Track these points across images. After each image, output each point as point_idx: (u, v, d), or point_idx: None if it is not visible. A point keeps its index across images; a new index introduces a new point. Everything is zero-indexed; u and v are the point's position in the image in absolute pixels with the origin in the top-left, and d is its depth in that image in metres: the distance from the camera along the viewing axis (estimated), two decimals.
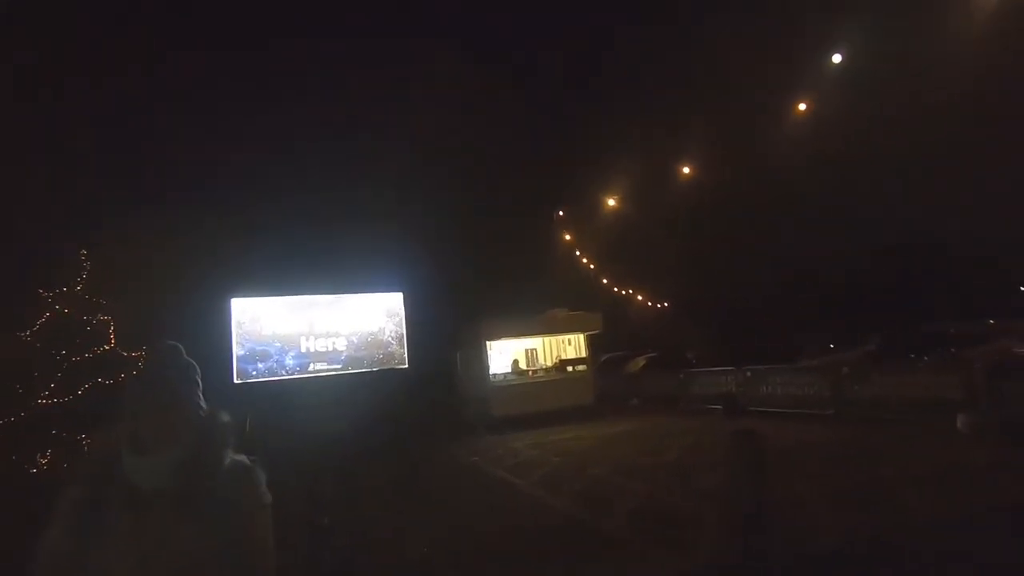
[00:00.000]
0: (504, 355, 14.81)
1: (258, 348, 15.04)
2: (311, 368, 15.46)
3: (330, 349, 15.75)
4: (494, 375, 14.25)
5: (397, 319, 16.85)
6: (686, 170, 20.39)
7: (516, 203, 22.73)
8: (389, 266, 17.67)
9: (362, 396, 14.12)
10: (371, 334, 16.43)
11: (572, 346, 15.95)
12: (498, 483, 7.64)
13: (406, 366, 16.58)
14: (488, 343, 14.35)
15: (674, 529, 4.85)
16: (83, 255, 15.76)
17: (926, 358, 10.18)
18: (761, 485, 3.51)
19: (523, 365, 15.37)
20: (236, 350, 14.84)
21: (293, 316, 15.62)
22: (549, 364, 15.74)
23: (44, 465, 13.88)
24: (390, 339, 16.69)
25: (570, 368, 15.01)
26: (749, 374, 12.09)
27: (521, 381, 14.42)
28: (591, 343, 15.34)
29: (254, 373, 14.97)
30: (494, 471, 8.46)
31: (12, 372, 14.46)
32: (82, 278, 15.61)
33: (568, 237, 22.81)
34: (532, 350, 16.22)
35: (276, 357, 15.18)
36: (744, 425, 9.57)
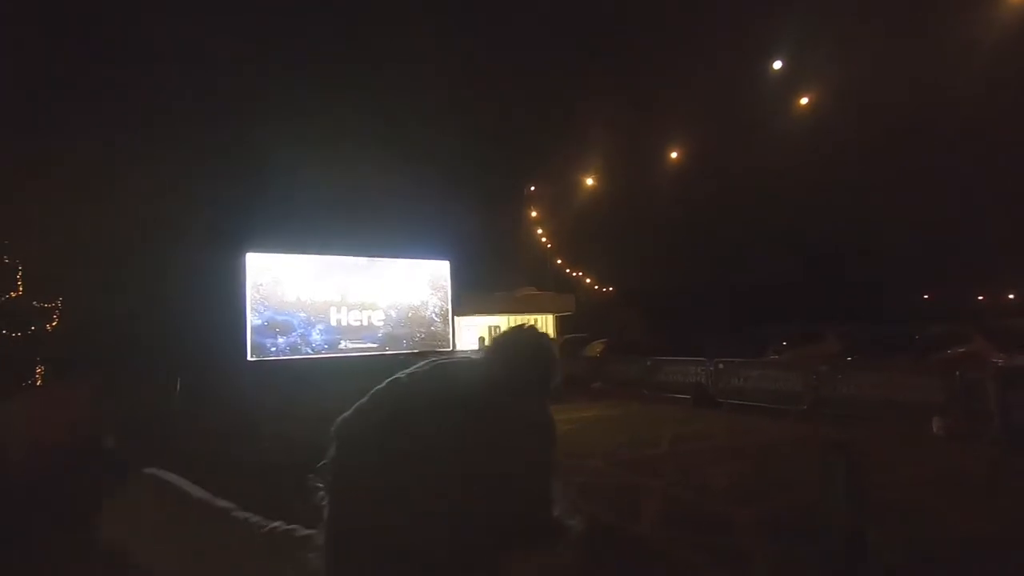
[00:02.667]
0: (471, 331, 14.19)
1: (279, 318, 11.78)
2: (341, 346, 12.32)
3: (365, 324, 12.62)
4: (459, 352, 13.64)
5: (442, 292, 13.77)
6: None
7: (487, 175, 21.86)
8: (433, 228, 14.61)
9: None
10: (412, 308, 13.38)
11: (539, 326, 15.55)
12: None
13: (450, 349, 13.46)
14: (455, 319, 13.69)
15: (714, 536, 4.47)
16: None
17: (891, 359, 10.47)
18: (862, 508, 3.13)
19: (487, 343, 14.85)
20: (251, 319, 11.52)
21: (323, 280, 12.20)
22: None
23: None
24: (433, 315, 13.65)
25: None
26: (721, 366, 12.11)
27: None
28: (560, 325, 14.99)
29: (273, 349, 11.79)
30: None
31: None
32: None
33: (535, 214, 22.34)
34: (496, 327, 15.67)
35: (300, 330, 11.89)
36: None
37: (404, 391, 0.64)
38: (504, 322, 15.62)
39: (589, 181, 19.65)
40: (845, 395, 9.74)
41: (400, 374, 0.68)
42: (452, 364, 0.67)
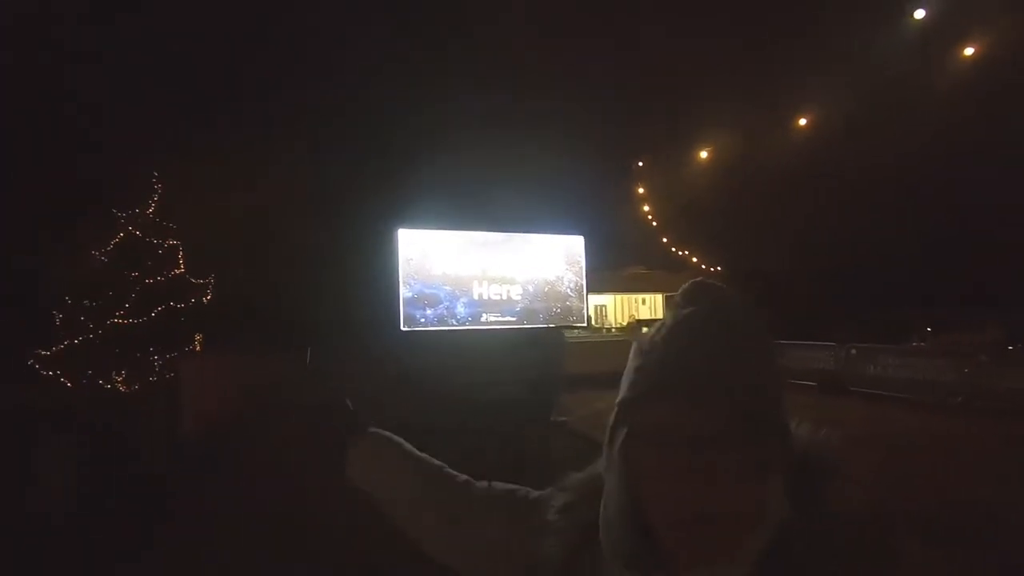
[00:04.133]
0: None
1: (427, 291, 12.44)
2: (483, 319, 12.82)
3: (504, 298, 13.00)
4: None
5: (577, 267, 13.88)
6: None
7: (603, 151, 21.34)
8: (565, 204, 14.92)
9: (541, 356, 11.16)
10: (548, 283, 13.53)
11: (647, 306, 15.20)
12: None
13: (585, 324, 13.89)
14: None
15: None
16: (155, 177, 15.56)
17: None
18: None
19: (594, 322, 14.74)
20: (403, 291, 12.27)
21: (466, 255, 12.85)
22: (620, 322, 15.07)
23: (119, 382, 14.16)
24: (568, 290, 13.78)
25: (646, 329, 14.24)
26: (854, 351, 11.14)
27: (595, 338, 13.81)
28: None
29: (422, 320, 12.43)
30: (593, 436, 7.91)
31: (87, 290, 14.62)
32: (153, 200, 15.46)
33: (642, 191, 21.62)
34: (602, 307, 15.55)
35: (446, 303, 12.53)
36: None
37: (665, 358, 0.65)
38: (610, 301, 15.46)
39: (703, 154, 18.67)
40: (1010, 388, 8.59)
41: (646, 346, 0.69)
42: (690, 322, 0.67)
